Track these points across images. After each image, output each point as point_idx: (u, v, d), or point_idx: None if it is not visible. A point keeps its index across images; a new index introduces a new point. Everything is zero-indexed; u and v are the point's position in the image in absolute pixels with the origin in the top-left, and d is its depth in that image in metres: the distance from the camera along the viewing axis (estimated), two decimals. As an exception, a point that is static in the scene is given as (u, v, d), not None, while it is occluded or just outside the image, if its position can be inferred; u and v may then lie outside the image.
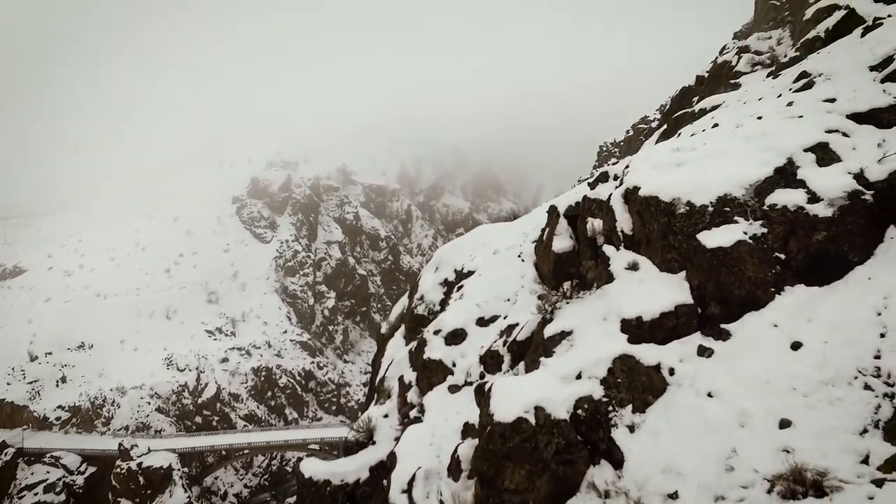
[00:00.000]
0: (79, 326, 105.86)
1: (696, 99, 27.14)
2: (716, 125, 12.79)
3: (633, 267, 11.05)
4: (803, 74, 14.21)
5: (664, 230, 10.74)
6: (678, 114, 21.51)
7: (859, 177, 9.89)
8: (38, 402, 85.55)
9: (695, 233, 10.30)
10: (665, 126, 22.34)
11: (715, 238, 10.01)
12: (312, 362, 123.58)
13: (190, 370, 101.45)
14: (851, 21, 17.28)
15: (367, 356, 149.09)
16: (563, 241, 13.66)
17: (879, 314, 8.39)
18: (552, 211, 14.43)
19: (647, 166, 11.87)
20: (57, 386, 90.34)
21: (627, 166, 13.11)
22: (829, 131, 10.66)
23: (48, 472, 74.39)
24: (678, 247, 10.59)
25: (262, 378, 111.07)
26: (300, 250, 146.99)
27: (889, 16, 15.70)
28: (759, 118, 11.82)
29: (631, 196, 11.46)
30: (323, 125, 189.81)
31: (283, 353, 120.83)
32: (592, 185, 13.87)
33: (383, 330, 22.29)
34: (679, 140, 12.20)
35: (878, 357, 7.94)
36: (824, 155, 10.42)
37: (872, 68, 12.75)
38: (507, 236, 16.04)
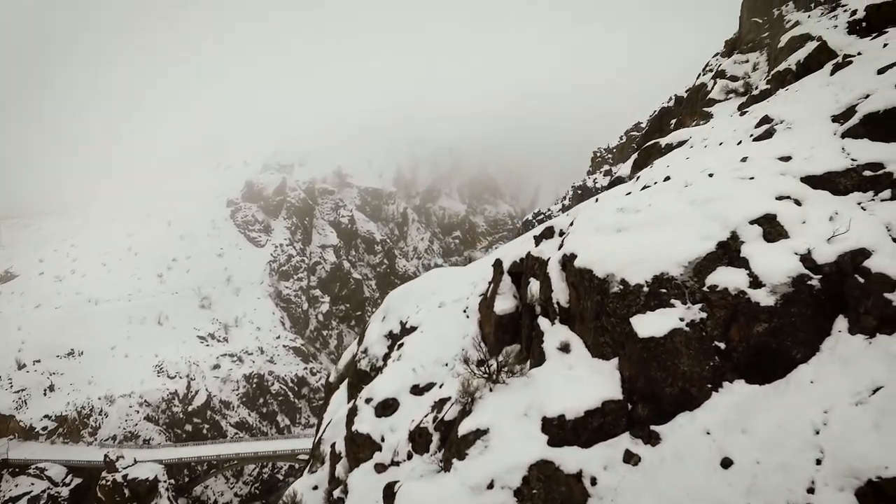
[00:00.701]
0: (69, 333, 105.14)
1: (672, 122, 26.22)
2: (667, 178, 11.82)
3: (565, 348, 10.12)
4: (766, 119, 13.26)
5: (597, 309, 9.80)
6: (649, 144, 20.57)
7: (806, 258, 8.92)
8: (25, 411, 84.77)
9: (628, 316, 9.35)
10: (636, 156, 21.46)
11: (648, 325, 9.05)
12: (306, 368, 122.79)
13: (181, 377, 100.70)
14: (822, 55, 16.30)
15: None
16: (505, 302, 12.71)
17: (818, 432, 7.40)
18: (497, 266, 13.50)
19: (589, 227, 10.91)
20: (45, 394, 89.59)
21: (572, 223, 12.16)
22: (780, 198, 9.69)
23: (33, 484, 73.62)
24: (611, 330, 9.65)
25: (254, 385, 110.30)
26: (294, 254, 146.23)
27: (859, 53, 14.72)
28: (711, 175, 10.87)
29: (568, 264, 10.50)
30: (320, 126, 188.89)
31: (276, 359, 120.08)
32: (537, 241, 12.91)
33: (332, 377, 21.23)
34: (626, 198, 11.24)
35: (811, 491, 6.94)
36: (771, 229, 9.46)
37: (835, 118, 11.79)
38: (459, 283, 15.10)
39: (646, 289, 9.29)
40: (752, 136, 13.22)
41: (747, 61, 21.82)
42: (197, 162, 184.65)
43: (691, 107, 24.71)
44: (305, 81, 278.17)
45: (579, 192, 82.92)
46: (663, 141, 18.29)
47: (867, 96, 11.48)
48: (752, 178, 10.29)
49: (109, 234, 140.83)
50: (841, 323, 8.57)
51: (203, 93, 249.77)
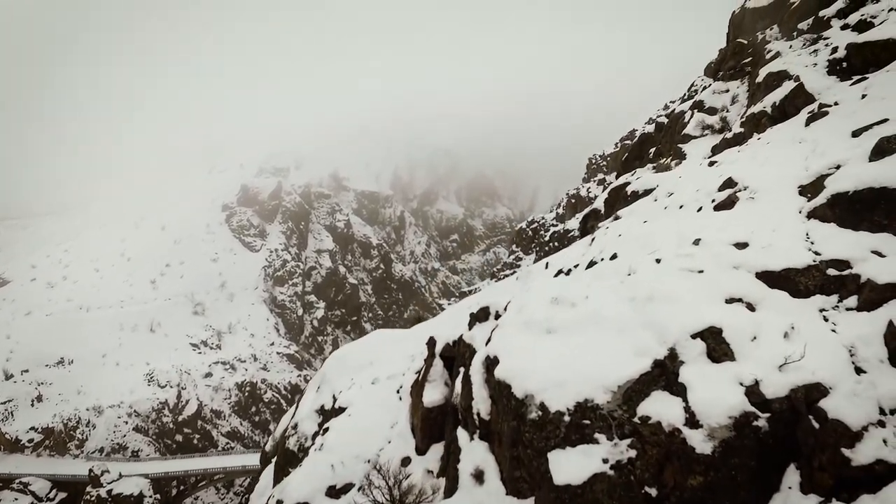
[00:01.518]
0: (59, 341, 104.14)
1: (651, 150, 24.73)
2: (614, 256, 10.41)
3: (479, 477, 8.72)
4: (730, 183, 11.82)
5: (514, 436, 8.40)
6: (618, 185, 19.11)
7: (753, 391, 7.46)
8: (11, 423, 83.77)
9: (546, 450, 7.93)
10: (607, 194, 20.06)
11: (566, 468, 7.60)
12: (299, 375, 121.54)
13: (171, 386, 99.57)
14: (799, 98, 14.84)
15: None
16: (435, 392, 11.30)
17: None
18: (430, 345, 12.09)
19: (518, 321, 9.50)
20: (32, 405, 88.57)
21: (507, 306, 10.75)
22: (731, 300, 8.26)
23: (16, 500, 72.53)
24: (527, 464, 8.24)
25: (247, 393, 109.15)
26: (289, 259, 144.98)
27: (836, 103, 13.24)
28: (658, 261, 9.44)
29: (491, 368, 9.09)
30: (317, 128, 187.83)
31: (270, 367, 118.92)
32: (471, 322, 11.48)
33: (267, 447, 19.79)
34: (565, 284, 9.82)
35: None
36: (716, 346, 8.03)
37: (802, 190, 10.34)
38: (398, 354, 13.70)
39: (567, 418, 7.88)
40: (713, 200, 11.77)
41: (727, 91, 20.37)
42: (194, 164, 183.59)
43: (670, 136, 23.28)
44: (303, 82, 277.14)
45: (573, 200, 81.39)
46: (630, 188, 16.89)
47: (838, 167, 10.02)
48: (701, 272, 8.86)
49: (103, 239, 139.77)
50: (792, 476, 7.14)
51: (202, 93, 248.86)
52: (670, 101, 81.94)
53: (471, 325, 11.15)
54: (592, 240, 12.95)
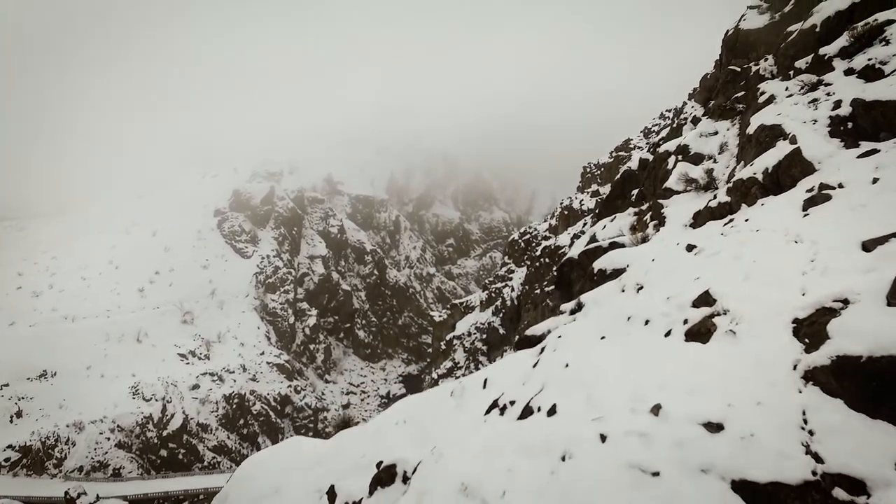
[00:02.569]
0: (42, 353, 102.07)
1: (634, 192, 22.31)
2: (552, 411, 7.92)
3: None
4: (706, 299, 9.43)
5: None
6: (590, 249, 16.76)
7: None
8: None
9: None
10: (581, 253, 17.72)
11: None
12: (290, 386, 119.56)
13: (156, 400, 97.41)
14: (795, 168, 12.41)
15: (350, 375, 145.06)
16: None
17: None
18: (330, 497, 9.59)
19: (434, 488, 7.10)
20: (11, 421, 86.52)
21: (417, 468, 8.33)
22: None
23: (-11, 523, 70.37)
24: None
25: (235, 405, 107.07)
26: (281, 266, 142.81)
27: (840, 185, 10.80)
28: (604, 439, 7.02)
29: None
30: (311, 131, 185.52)
31: (259, 377, 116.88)
32: (372, 486, 8.87)
33: None
34: (481, 464, 7.43)
35: None
36: None
37: (797, 328, 7.86)
38: (308, 485, 11.11)
39: None
40: (685, 321, 9.37)
41: (716, 133, 17.96)
42: (188, 168, 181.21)
43: (653, 180, 20.92)
44: (299, 86, 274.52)
45: (566, 212, 79.01)
46: (598, 265, 14.42)
47: (845, 301, 7.55)
48: (656, 475, 6.44)
49: (92, 245, 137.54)
50: None
51: (197, 96, 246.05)
52: (666, 111, 79.51)
53: (371, 490, 8.63)
54: (537, 361, 10.56)
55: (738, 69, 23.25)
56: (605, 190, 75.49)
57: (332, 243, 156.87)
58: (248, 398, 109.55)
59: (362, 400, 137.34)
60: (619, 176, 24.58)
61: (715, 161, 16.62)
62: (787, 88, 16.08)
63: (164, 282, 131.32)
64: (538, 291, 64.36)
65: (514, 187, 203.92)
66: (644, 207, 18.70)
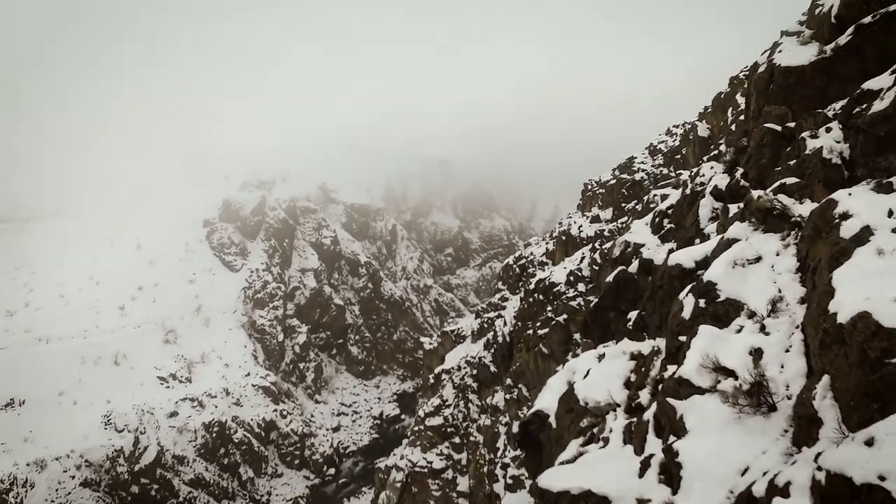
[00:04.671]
0: (11, 379, 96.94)
1: (632, 316, 15.65)
2: None
3: None
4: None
5: None
6: (562, 395, 10.62)
7: None
8: (-57, 482, 76.17)
9: None
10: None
11: None
12: (275, 410, 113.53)
13: (129, 431, 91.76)
14: None
15: (342, 394, 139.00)
16: None
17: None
18: None
19: None
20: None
21: None
22: None
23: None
24: None
25: (215, 434, 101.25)
26: (271, 280, 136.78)
27: None
28: None
29: None
30: (306, 138, 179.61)
31: (244, 401, 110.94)
32: None
33: None
34: None
35: None
36: None
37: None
38: None
39: None
40: None
41: (758, 259, 11.80)
42: (176, 176, 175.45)
43: (657, 305, 14.63)
44: (293, 92, 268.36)
45: (563, 237, 72.34)
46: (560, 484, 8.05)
47: None
48: None
49: (73, 259, 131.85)
50: None
51: (188, 102, 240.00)
52: (673, 126, 72.72)
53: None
54: None
55: (780, 129, 16.59)
56: (607, 214, 68.63)
57: (324, 255, 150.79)
58: (230, 425, 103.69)
59: (354, 421, 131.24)
60: (611, 277, 17.98)
61: (765, 330, 9.99)
62: (890, 212, 9.33)
63: (148, 298, 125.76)
64: (531, 332, 57.85)
65: (515, 194, 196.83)
66: (646, 350, 12.35)
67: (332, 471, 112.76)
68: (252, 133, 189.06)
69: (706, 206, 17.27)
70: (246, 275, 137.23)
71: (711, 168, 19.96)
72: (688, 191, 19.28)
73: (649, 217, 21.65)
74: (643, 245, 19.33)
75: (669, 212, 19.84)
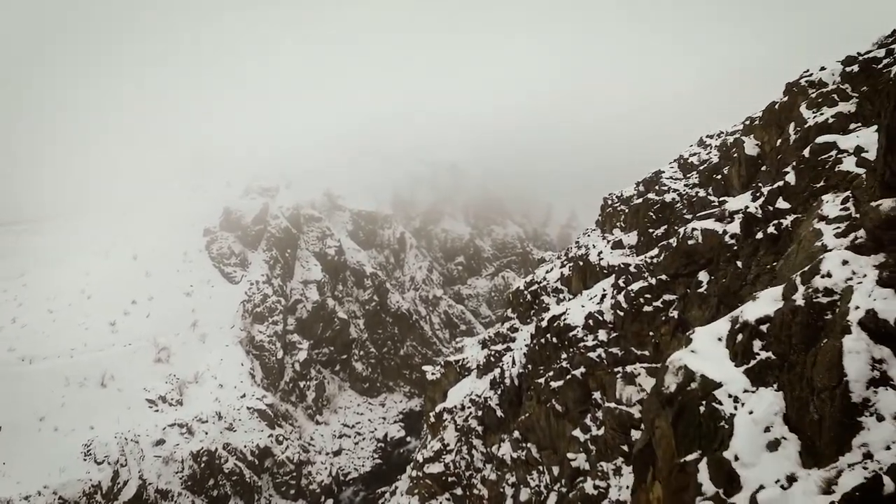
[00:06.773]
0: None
1: None
2: None
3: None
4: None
5: None
6: None
7: None
8: None
9: None
10: None
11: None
12: (271, 436, 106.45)
13: (108, 464, 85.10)
14: None
15: (344, 414, 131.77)
16: None
17: None
18: None
19: None
20: (-65, 496, 74.95)
21: None
22: None
23: None
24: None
25: (203, 464, 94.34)
26: (271, 294, 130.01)
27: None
28: None
29: None
30: (311, 142, 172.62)
31: (237, 425, 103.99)
32: None
33: None
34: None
35: None
36: None
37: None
38: None
39: None
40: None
41: None
42: (176, 181, 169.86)
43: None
44: (298, 96, 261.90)
45: (580, 262, 63.68)
46: None
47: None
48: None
49: (64, 271, 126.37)
50: None
51: (190, 104, 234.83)
52: (706, 136, 63.39)
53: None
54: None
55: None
56: (631, 240, 59.69)
57: (328, 266, 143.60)
58: (221, 454, 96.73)
59: (356, 444, 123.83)
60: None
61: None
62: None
63: (141, 313, 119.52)
64: (542, 381, 49.44)
65: (528, 199, 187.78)
66: None
67: (330, 501, 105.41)
68: (254, 136, 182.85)
69: (858, 351, 8.95)
70: (245, 287, 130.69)
71: (845, 263, 11.24)
72: (798, 300, 10.90)
73: (720, 325, 13.15)
74: (719, 385, 11.15)
75: (764, 328, 11.46)
